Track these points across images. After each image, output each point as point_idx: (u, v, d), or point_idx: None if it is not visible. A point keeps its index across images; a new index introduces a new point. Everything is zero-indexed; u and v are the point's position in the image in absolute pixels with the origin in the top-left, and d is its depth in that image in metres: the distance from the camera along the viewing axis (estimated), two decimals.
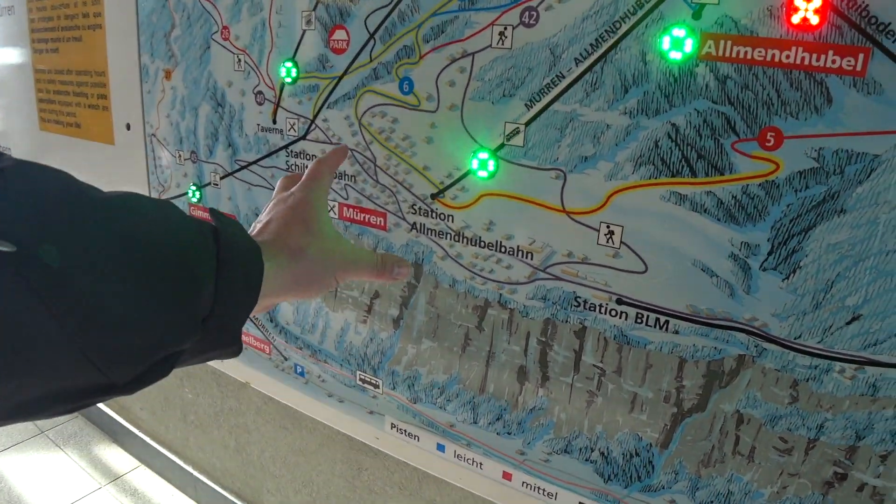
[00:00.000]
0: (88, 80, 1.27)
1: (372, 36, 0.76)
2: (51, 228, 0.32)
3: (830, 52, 0.53)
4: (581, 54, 0.63)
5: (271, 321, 1.03)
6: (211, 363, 1.20)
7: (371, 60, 0.77)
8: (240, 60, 0.92)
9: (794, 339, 0.59)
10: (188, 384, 1.85)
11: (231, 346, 0.45)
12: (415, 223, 0.79)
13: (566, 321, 0.71)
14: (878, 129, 0.52)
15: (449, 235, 0.76)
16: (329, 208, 0.86)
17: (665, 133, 0.61)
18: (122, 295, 0.34)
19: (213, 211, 0.49)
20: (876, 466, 0.58)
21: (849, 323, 0.57)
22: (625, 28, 0.60)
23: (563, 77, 0.64)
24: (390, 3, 0.74)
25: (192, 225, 0.41)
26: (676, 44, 0.58)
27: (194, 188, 1.07)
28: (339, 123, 0.83)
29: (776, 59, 0.55)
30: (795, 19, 0.54)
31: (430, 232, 0.78)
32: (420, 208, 0.78)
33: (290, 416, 1.52)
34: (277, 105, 0.89)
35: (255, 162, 0.95)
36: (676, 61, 0.59)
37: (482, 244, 0.74)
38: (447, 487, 1.20)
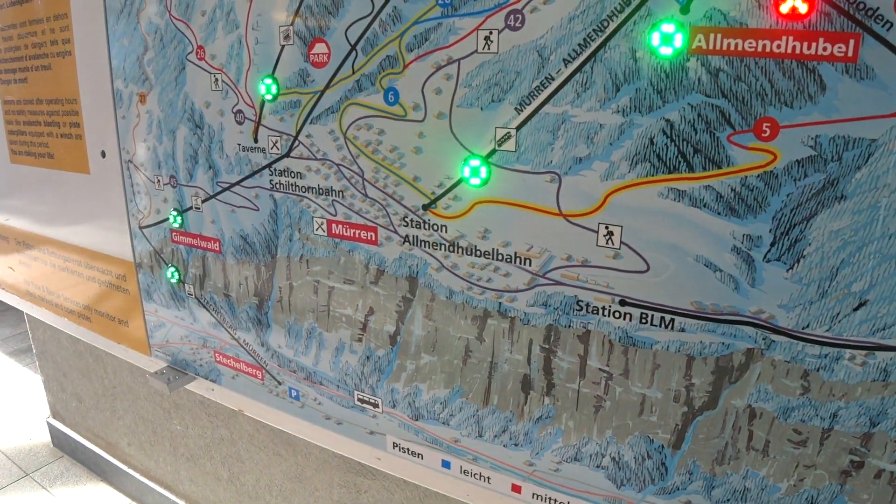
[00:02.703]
0: (60, 109, 1.24)
1: (353, 48, 0.75)
2: None
3: (821, 40, 0.53)
4: (570, 55, 0.62)
5: (262, 345, 1.00)
6: (200, 391, 1.16)
7: (354, 73, 0.76)
8: (217, 80, 0.90)
9: (803, 328, 0.59)
10: (176, 416, 1.80)
11: None
12: (407, 236, 0.77)
13: (569, 326, 0.70)
14: (874, 114, 0.52)
15: (443, 246, 0.75)
16: (318, 226, 0.85)
17: (659, 129, 0.60)
18: None
19: None
20: (892, 452, 0.58)
21: (856, 309, 0.56)
22: (613, 26, 0.60)
23: (553, 79, 0.63)
24: (370, 14, 0.72)
25: None
26: (666, 39, 0.58)
27: (175, 213, 1.05)
28: (323, 139, 0.81)
29: (767, 50, 0.55)
30: (784, 8, 0.53)
31: (423, 244, 0.76)
32: (412, 220, 0.76)
33: (285, 441, 1.49)
34: (258, 123, 0.87)
35: (237, 183, 0.93)
36: (667, 57, 0.58)
37: (478, 253, 0.73)
38: None
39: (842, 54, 0.52)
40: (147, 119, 1.02)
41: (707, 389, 0.65)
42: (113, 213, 1.17)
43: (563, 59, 0.63)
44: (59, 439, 2.37)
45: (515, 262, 0.70)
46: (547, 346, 0.72)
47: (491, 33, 0.66)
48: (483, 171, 0.69)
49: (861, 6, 0.51)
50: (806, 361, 0.59)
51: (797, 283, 0.58)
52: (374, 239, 0.80)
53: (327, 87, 0.78)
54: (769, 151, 0.56)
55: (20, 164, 1.42)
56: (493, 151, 0.68)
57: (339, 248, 0.84)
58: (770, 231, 0.58)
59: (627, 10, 0.59)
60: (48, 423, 2.39)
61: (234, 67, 0.87)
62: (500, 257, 0.71)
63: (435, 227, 0.75)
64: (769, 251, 0.58)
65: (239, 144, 0.91)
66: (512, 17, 0.64)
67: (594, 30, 0.61)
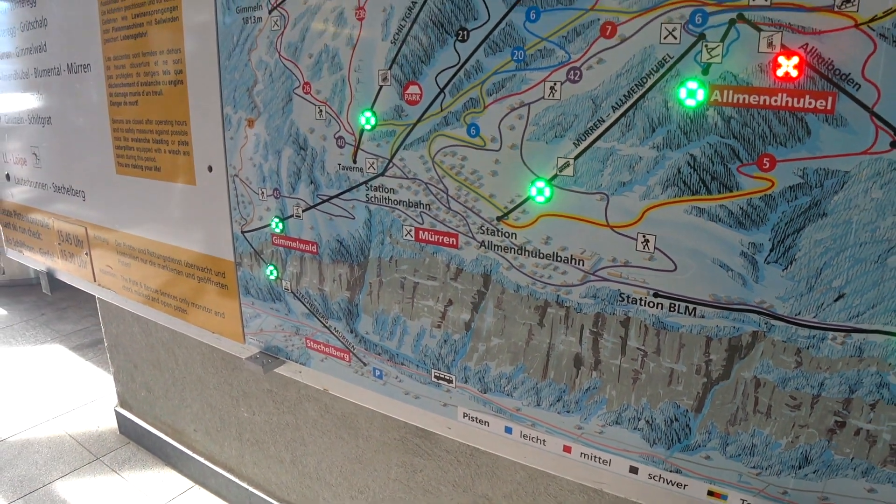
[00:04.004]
0: (169, 129, 1.46)
1: (442, 90, 0.95)
2: None
3: (807, 97, 0.71)
4: (617, 103, 0.82)
5: (351, 332, 1.20)
6: (288, 374, 1.36)
7: (442, 110, 0.96)
8: (321, 111, 1.11)
9: (795, 315, 0.76)
10: (244, 403, 2.00)
11: None
12: (483, 241, 0.97)
13: (613, 314, 0.88)
14: (846, 152, 0.70)
15: (513, 250, 0.94)
16: (406, 232, 1.05)
17: (685, 161, 0.79)
18: None
19: None
20: (867, 413, 0.75)
21: (836, 300, 0.74)
22: (651, 82, 0.79)
23: (603, 121, 0.83)
24: (457, 64, 0.93)
25: None
26: (691, 93, 0.76)
27: (277, 220, 1.26)
28: (414, 162, 1.01)
29: (767, 103, 0.73)
30: (780, 73, 0.72)
31: (496, 248, 0.96)
32: (487, 229, 0.96)
33: (347, 425, 1.67)
34: (357, 147, 1.08)
35: (337, 195, 1.14)
36: (692, 107, 0.77)
37: (541, 255, 0.92)
38: (499, 482, 1.35)
39: (823, 107, 0.70)
40: (254, 140, 1.24)
41: (722, 364, 0.82)
42: (217, 218, 1.39)
43: (612, 106, 0.82)
44: (126, 427, 2.59)
45: (571, 262, 0.89)
46: (595, 330, 0.90)
47: (555, 84, 0.85)
48: (547, 191, 0.88)
49: (837, 72, 0.69)
50: (798, 341, 0.77)
51: (791, 280, 0.76)
52: (455, 244, 1.00)
53: (419, 120, 0.99)
54: (768, 179, 0.75)
55: (125, 174, 1.64)
56: (555, 176, 0.88)
57: (425, 251, 1.04)
58: (769, 240, 0.76)
59: (662, 71, 0.78)
60: (116, 411, 2.61)
61: (338, 101, 1.08)
62: (559, 259, 0.90)
63: (507, 235, 0.94)
64: (769, 255, 0.76)
65: (339, 164, 1.11)
66: (572, 72, 0.84)
67: (636, 84, 0.80)
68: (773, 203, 0.75)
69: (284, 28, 1.13)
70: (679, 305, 0.83)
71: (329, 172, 1.14)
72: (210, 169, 1.37)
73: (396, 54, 0.99)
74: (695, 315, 0.83)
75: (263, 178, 1.25)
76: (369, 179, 1.09)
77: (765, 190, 0.75)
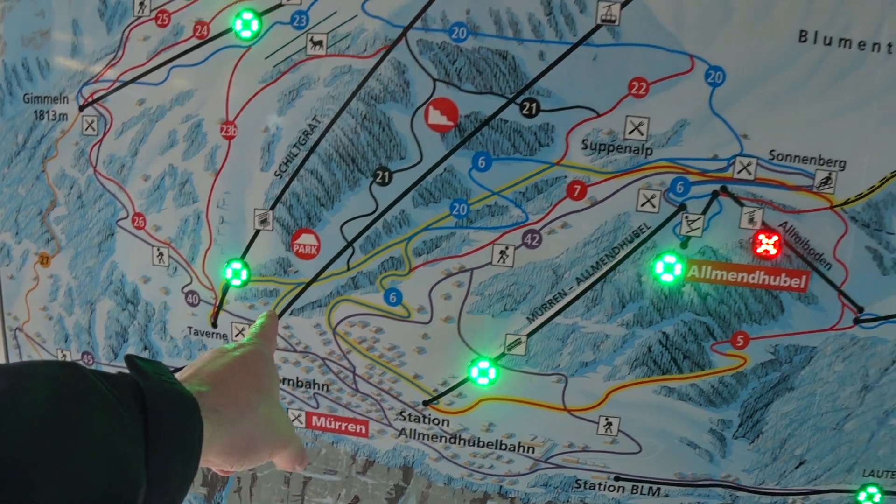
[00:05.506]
0: None
1: (350, 244, 0.71)
2: None
3: (783, 275, 0.67)
4: (583, 274, 0.68)
5: None
6: None
7: (349, 269, 0.72)
8: (162, 254, 0.76)
9: (759, 485, 0.73)
10: None
11: None
12: (403, 429, 0.76)
13: (567, 502, 0.76)
14: (815, 329, 0.68)
15: (444, 438, 0.75)
16: (294, 417, 0.78)
17: (657, 340, 0.69)
18: None
19: (129, 359, 0.40)
20: None
21: (797, 467, 0.72)
22: (623, 254, 0.67)
23: (565, 294, 0.69)
24: (373, 213, 0.69)
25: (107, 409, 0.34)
26: (668, 268, 0.67)
27: None
28: (306, 331, 0.74)
29: (745, 280, 0.67)
30: (759, 250, 0.66)
31: (421, 436, 0.76)
32: (410, 415, 0.75)
33: None
34: (218, 308, 0.76)
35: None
36: (668, 283, 0.67)
37: (481, 444, 0.75)
38: None
39: (797, 286, 0.67)
40: (50, 284, 0.81)
41: None
42: None
43: (577, 278, 0.68)
44: None
45: (519, 450, 0.74)
46: None
47: (507, 248, 0.68)
48: (492, 373, 0.71)
49: (812, 252, 0.66)
50: None
51: (756, 452, 0.72)
52: (364, 432, 0.77)
53: (314, 280, 0.72)
54: (741, 357, 0.69)
55: None
56: (503, 355, 0.71)
57: (320, 439, 0.78)
58: (738, 416, 0.71)
59: (636, 241, 0.67)
60: None
61: (189, 244, 0.75)
62: (503, 447, 0.75)
63: (436, 422, 0.75)
64: (737, 430, 0.71)
65: (190, 328, 0.78)
66: (529, 235, 0.68)
67: (606, 255, 0.67)
68: (745, 380, 0.70)
69: (105, 134, 0.74)
70: (642, 487, 0.75)
71: (175, 337, 0.79)
72: None
73: (283, 191, 0.71)
74: (658, 495, 0.75)
75: (66, 336, 0.84)
76: None
77: (737, 367, 0.70)
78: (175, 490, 0.36)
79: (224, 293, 0.76)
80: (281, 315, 0.75)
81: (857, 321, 0.67)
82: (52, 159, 0.78)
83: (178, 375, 0.44)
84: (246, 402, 0.45)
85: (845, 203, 0.65)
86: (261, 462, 0.48)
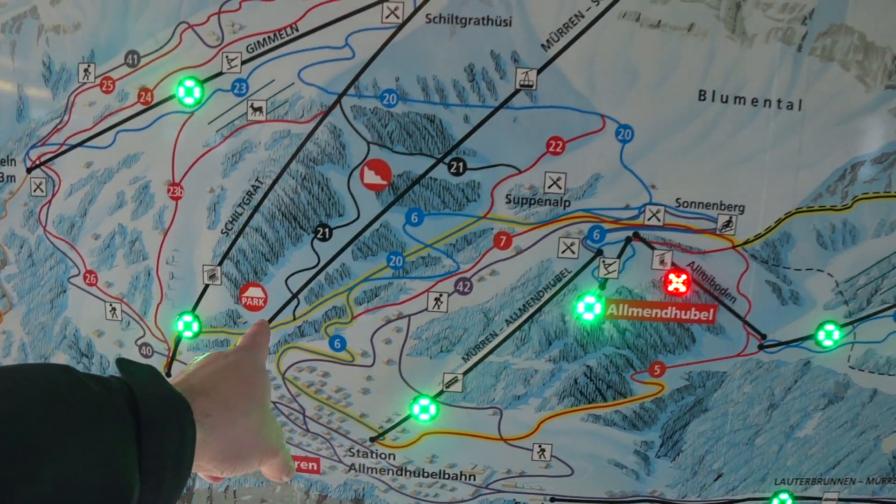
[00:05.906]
0: None
1: (295, 296, 0.75)
2: None
3: (693, 309, 0.74)
4: (511, 316, 0.74)
5: None
6: None
7: (294, 319, 0.76)
8: (114, 309, 0.79)
9: (682, 498, 0.80)
10: None
11: None
12: (353, 464, 0.81)
13: None
14: (724, 356, 0.75)
15: (391, 471, 0.80)
16: None
17: (582, 372, 0.76)
18: None
19: (122, 363, 0.41)
20: None
21: (716, 480, 0.79)
22: (547, 296, 0.73)
23: (496, 335, 0.75)
24: (315, 267, 0.74)
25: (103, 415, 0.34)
26: (588, 307, 0.73)
27: None
28: None
29: (658, 316, 0.74)
30: (670, 288, 0.73)
31: (370, 470, 0.81)
32: (359, 451, 0.80)
33: None
34: (172, 359, 0.80)
35: None
36: (589, 321, 0.74)
37: (426, 474, 0.80)
38: None
39: (706, 318, 0.74)
40: (3, 341, 0.84)
41: None
42: None
43: (506, 320, 0.74)
44: None
45: (461, 479, 0.80)
46: None
47: (441, 295, 0.74)
48: (432, 409, 0.77)
49: (717, 287, 0.73)
50: None
51: (678, 469, 0.79)
52: (316, 469, 0.81)
53: None
54: (659, 384, 0.76)
55: None
56: (442, 392, 0.77)
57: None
58: (660, 437, 0.78)
59: (559, 285, 0.73)
60: None
61: (141, 300, 0.78)
62: (446, 476, 0.80)
63: (383, 456, 0.80)
64: (659, 450, 0.78)
65: None
66: (461, 283, 0.73)
67: (532, 298, 0.73)
68: (664, 404, 0.77)
69: (53, 195, 0.77)
70: None
71: None
72: None
73: (230, 248, 0.75)
74: None
75: None
76: None
77: (656, 394, 0.76)
78: (167, 493, 0.36)
79: (177, 345, 0.80)
80: None
81: (761, 347, 0.74)
82: (1, 219, 0.80)
83: (171, 380, 0.44)
84: (238, 408, 0.45)
85: (745, 243, 0.72)
86: (251, 469, 0.47)
